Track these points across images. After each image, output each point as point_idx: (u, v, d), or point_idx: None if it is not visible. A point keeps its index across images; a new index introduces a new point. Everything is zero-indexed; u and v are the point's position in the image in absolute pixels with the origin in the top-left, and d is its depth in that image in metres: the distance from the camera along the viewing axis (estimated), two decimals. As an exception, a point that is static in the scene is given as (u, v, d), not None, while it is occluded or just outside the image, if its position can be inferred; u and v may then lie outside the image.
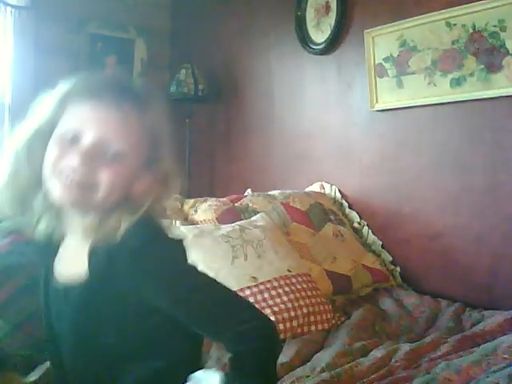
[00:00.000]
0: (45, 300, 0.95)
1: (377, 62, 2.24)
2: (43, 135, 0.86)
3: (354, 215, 2.41)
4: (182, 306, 0.82)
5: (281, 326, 1.62)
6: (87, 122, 0.83)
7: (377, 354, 1.46)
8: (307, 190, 2.52)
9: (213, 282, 0.87)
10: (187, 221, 2.11)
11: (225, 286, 0.87)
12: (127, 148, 0.84)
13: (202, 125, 3.14)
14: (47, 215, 0.90)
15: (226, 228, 1.87)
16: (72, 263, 0.89)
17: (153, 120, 0.88)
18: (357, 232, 2.36)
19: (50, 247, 0.93)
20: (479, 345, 1.47)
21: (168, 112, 0.91)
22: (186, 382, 0.85)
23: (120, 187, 0.84)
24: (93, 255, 0.85)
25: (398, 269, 2.24)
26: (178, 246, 0.87)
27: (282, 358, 1.46)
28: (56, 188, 0.83)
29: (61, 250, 0.93)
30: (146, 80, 3.18)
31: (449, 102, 2.04)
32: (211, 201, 2.19)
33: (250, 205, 2.20)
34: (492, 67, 1.88)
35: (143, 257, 0.80)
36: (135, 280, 0.81)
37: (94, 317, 0.85)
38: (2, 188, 0.87)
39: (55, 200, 0.84)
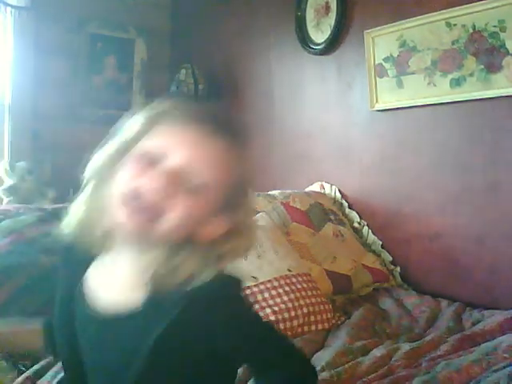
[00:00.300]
0: (69, 317, 0.84)
1: (377, 62, 2.25)
2: (124, 152, 0.78)
3: (354, 215, 2.42)
4: (255, 353, 0.82)
5: (281, 326, 1.62)
6: (176, 144, 0.74)
7: (377, 353, 1.46)
8: (307, 189, 2.52)
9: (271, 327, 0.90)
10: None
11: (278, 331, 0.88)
12: (212, 183, 0.74)
13: (202, 125, 3.14)
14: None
15: (226, 228, 1.87)
16: (117, 285, 0.80)
17: (245, 161, 0.80)
18: (357, 232, 2.36)
19: (84, 257, 0.84)
20: (479, 344, 1.48)
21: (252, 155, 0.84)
22: None
23: (189, 224, 0.75)
24: (153, 286, 0.75)
25: (398, 269, 2.24)
26: (242, 292, 0.84)
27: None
28: (121, 212, 0.73)
29: (99, 264, 0.84)
30: (148, 81, 3.19)
31: (449, 102, 2.04)
32: (211, 201, 2.19)
33: (250, 205, 2.19)
34: (492, 67, 1.88)
35: (221, 309, 0.74)
36: (211, 331, 0.74)
37: (148, 352, 0.75)
38: (79, 206, 0.80)
39: (117, 227, 0.75)
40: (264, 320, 0.89)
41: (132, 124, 0.80)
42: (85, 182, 0.81)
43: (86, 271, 0.85)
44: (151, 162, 0.74)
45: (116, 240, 0.79)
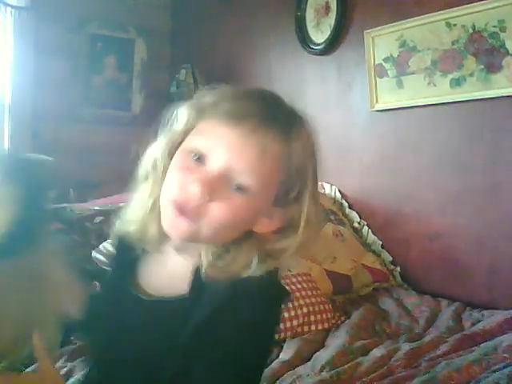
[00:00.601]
0: (110, 309, 0.84)
1: (377, 63, 2.25)
2: (174, 149, 0.77)
3: (354, 215, 2.42)
4: (203, 352, 0.73)
5: (281, 326, 1.62)
6: (220, 144, 0.72)
7: (377, 353, 1.46)
8: (307, 189, 2.52)
9: (256, 369, 0.77)
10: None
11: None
12: (257, 182, 0.71)
13: (202, 125, 3.14)
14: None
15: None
16: (167, 275, 0.81)
17: (297, 150, 0.75)
18: (357, 232, 2.36)
19: (136, 253, 0.83)
20: (479, 344, 1.48)
21: (317, 141, 0.79)
22: None
23: (235, 223, 0.73)
24: (199, 277, 0.75)
25: (398, 269, 2.24)
26: (276, 309, 0.78)
27: (283, 357, 1.47)
28: (167, 216, 0.74)
29: (151, 256, 0.84)
30: (148, 81, 3.19)
31: (449, 102, 2.04)
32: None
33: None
34: (492, 67, 1.88)
35: (240, 310, 0.71)
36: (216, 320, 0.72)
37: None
38: (137, 206, 0.80)
39: (165, 229, 0.75)
40: (261, 353, 0.77)
41: (179, 118, 0.78)
42: (140, 179, 0.80)
43: (137, 264, 0.85)
44: (198, 160, 0.73)
45: (169, 238, 0.78)
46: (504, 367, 1.26)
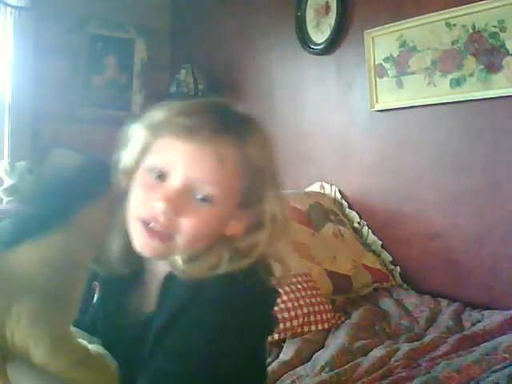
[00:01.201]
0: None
1: (377, 63, 2.25)
2: (134, 170, 0.78)
3: (354, 215, 2.42)
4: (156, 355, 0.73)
5: (281, 326, 1.62)
6: (177, 158, 0.74)
7: (377, 353, 1.46)
8: (307, 189, 2.52)
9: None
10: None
11: None
12: (220, 191, 0.74)
13: (202, 125, 3.14)
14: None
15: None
16: (144, 296, 0.82)
17: (254, 154, 0.76)
18: (357, 232, 2.37)
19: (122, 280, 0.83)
20: (479, 344, 1.48)
21: (273, 142, 0.81)
22: None
23: (207, 233, 0.75)
24: (166, 288, 0.77)
25: (398, 269, 2.24)
26: (258, 315, 0.76)
27: (283, 357, 1.47)
28: (137, 236, 0.75)
29: (135, 282, 0.84)
30: (148, 81, 3.19)
31: (449, 102, 2.04)
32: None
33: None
34: (492, 67, 1.88)
35: (211, 312, 0.72)
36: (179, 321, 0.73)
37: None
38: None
39: (136, 249, 0.76)
40: (226, 360, 0.72)
41: (135, 139, 0.80)
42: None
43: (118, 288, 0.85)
44: (159, 178, 0.74)
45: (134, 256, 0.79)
46: (504, 367, 1.26)
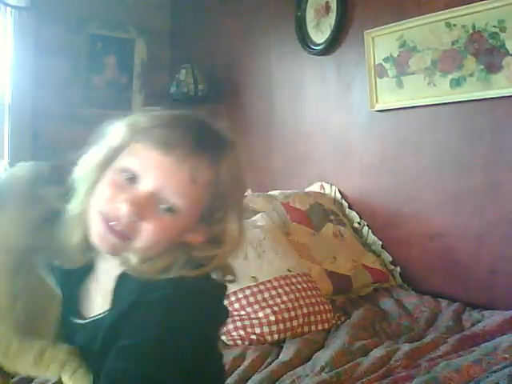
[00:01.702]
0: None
1: (377, 63, 2.25)
2: (107, 164, 0.80)
3: (354, 215, 2.42)
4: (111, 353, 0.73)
5: (281, 326, 1.62)
6: (152, 168, 0.76)
7: (377, 353, 1.46)
8: (307, 190, 2.52)
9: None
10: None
11: None
12: (185, 204, 0.76)
13: (202, 125, 3.14)
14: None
15: (226, 228, 1.87)
16: (100, 294, 0.83)
17: (224, 178, 0.79)
18: (357, 232, 2.37)
19: (77, 272, 0.85)
20: (479, 344, 1.48)
21: (243, 163, 0.83)
22: None
23: (165, 241, 0.78)
24: (120, 288, 0.79)
25: (398, 269, 2.24)
26: (205, 309, 0.77)
27: (282, 357, 1.47)
28: (97, 230, 0.77)
29: (88, 280, 0.86)
30: (148, 81, 3.19)
31: (449, 103, 2.04)
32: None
33: (250, 205, 2.20)
34: (492, 67, 1.88)
35: (157, 309, 0.74)
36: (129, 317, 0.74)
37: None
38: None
39: (93, 242, 0.78)
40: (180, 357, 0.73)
41: (114, 135, 0.81)
42: (74, 185, 0.82)
43: (79, 286, 0.87)
44: (129, 180, 0.76)
45: (91, 250, 0.81)
46: (504, 367, 1.26)
